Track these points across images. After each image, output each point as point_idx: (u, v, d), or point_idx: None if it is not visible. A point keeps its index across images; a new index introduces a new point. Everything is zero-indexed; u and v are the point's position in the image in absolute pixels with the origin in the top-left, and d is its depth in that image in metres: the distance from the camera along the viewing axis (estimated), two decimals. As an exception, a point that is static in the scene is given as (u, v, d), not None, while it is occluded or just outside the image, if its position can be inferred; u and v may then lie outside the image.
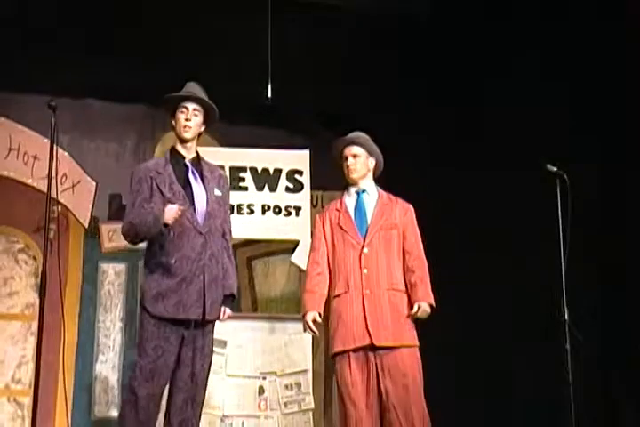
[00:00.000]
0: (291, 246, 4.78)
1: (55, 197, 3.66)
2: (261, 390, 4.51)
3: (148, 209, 3.47)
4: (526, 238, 4.60)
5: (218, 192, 3.65)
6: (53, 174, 3.51)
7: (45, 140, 4.77)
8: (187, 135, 3.62)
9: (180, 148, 3.66)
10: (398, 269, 3.80)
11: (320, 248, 3.88)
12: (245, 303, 5.46)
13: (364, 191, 3.92)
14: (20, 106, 5.01)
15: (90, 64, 4.75)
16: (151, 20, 4.79)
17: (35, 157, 5.05)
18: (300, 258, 4.69)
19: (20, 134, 5.05)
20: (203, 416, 4.37)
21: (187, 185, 3.57)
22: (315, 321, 3.75)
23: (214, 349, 4.44)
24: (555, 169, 3.81)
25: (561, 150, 4.19)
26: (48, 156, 3.52)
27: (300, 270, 4.78)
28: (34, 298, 4.86)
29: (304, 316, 3.79)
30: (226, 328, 4.53)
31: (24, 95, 4.93)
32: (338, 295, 3.78)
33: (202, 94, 3.68)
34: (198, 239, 3.50)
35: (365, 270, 3.73)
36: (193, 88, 3.69)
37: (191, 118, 3.61)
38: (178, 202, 3.50)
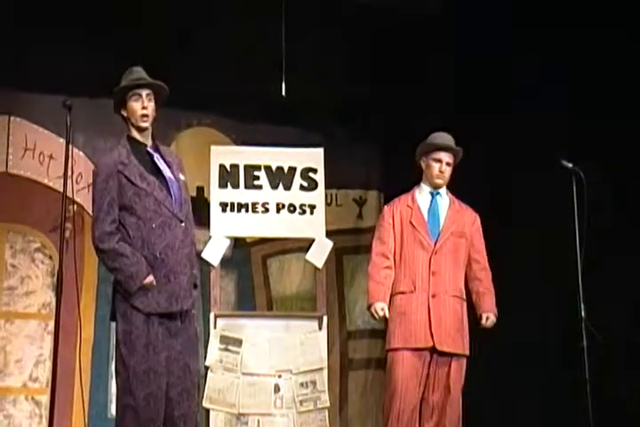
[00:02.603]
0: (305, 245, 4.78)
1: (71, 196, 3.66)
2: (277, 389, 4.51)
3: (135, 260, 3.30)
4: (543, 236, 4.58)
5: (182, 176, 3.53)
6: (69, 174, 3.51)
7: (61, 140, 4.78)
8: (145, 124, 3.46)
9: (137, 135, 3.49)
10: (462, 276, 3.89)
11: (389, 242, 3.92)
12: (260, 302, 5.46)
13: (438, 194, 3.96)
14: (35, 106, 5.02)
15: (105, 64, 4.76)
16: (166, 20, 4.80)
17: (50, 157, 5.06)
18: (314, 256, 4.69)
19: (35, 134, 5.07)
20: (219, 415, 4.41)
21: (157, 173, 3.43)
22: (383, 310, 3.82)
23: (229, 347, 4.45)
24: (570, 165, 3.79)
25: (574, 147, 4.18)
26: (64, 155, 3.53)
27: (315, 269, 4.78)
28: (50, 297, 4.87)
29: (370, 305, 3.85)
30: (241, 326, 4.55)
31: (39, 95, 4.93)
32: (402, 293, 3.84)
33: (148, 78, 3.53)
34: (180, 228, 3.39)
35: (434, 274, 3.79)
36: (139, 73, 3.53)
37: (147, 105, 3.46)
38: (154, 192, 3.37)
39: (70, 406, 4.72)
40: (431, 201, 3.94)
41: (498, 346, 4.71)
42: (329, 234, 4.76)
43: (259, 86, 4.88)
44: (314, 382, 4.52)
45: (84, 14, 4.65)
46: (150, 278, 3.32)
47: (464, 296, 3.87)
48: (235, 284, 5.39)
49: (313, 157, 4.83)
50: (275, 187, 4.76)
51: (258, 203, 4.72)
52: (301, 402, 4.51)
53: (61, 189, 3.55)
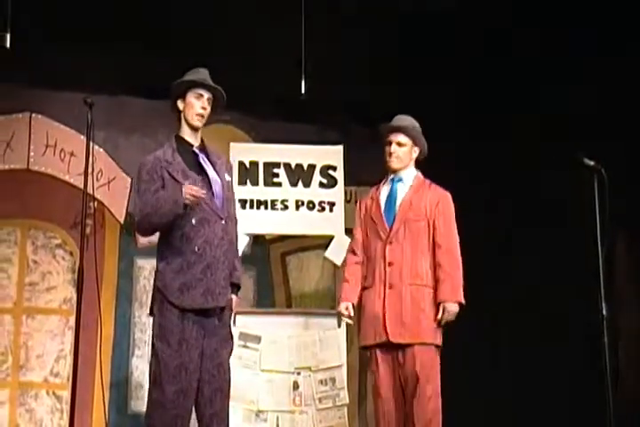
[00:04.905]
0: (324, 242, 4.78)
1: (91, 193, 3.68)
2: (296, 386, 4.52)
3: (163, 194, 3.34)
4: (562, 234, 4.56)
5: (228, 177, 3.57)
6: (90, 171, 3.54)
7: (82, 137, 4.81)
8: (199, 124, 3.52)
9: (186, 135, 3.54)
10: (425, 263, 3.68)
11: (358, 237, 3.86)
12: (279, 299, 5.46)
13: (399, 180, 3.83)
14: (56, 103, 5.06)
15: (126, 62, 4.79)
16: (186, 18, 4.81)
17: (71, 154, 5.10)
18: (333, 253, 4.69)
19: (56, 131, 5.10)
20: (238, 411, 4.42)
21: (201, 172, 3.48)
22: (347, 309, 3.76)
23: (248, 344, 4.46)
24: (592, 163, 3.74)
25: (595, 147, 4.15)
26: (84, 152, 3.55)
27: (335, 266, 4.78)
28: (71, 293, 4.91)
29: (339, 305, 3.81)
30: (260, 324, 4.56)
31: (61, 92, 4.97)
32: (366, 288, 3.76)
33: (212, 82, 3.58)
34: (219, 224, 3.41)
35: (390, 264, 3.66)
36: (204, 75, 3.58)
37: (207, 107, 3.52)
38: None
39: (91, 402, 4.75)
40: (391, 189, 3.81)
41: (516, 346, 4.70)
42: (348, 231, 4.75)
43: (278, 84, 4.88)
44: (333, 380, 4.52)
45: (106, 12, 4.67)
46: (187, 190, 3.27)
47: (427, 282, 3.65)
48: (254, 281, 5.40)
49: (332, 155, 4.83)
50: (294, 184, 4.77)
51: (277, 200, 4.73)
52: (320, 399, 4.51)
53: (82, 186, 3.57)
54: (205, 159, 3.53)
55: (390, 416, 3.63)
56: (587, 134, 4.42)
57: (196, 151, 3.53)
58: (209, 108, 3.54)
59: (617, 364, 3.56)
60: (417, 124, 3.86)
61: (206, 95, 3.53)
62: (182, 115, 3.54)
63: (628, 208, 4.19)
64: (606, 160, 3.72)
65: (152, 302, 3.45)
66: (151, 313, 3.45)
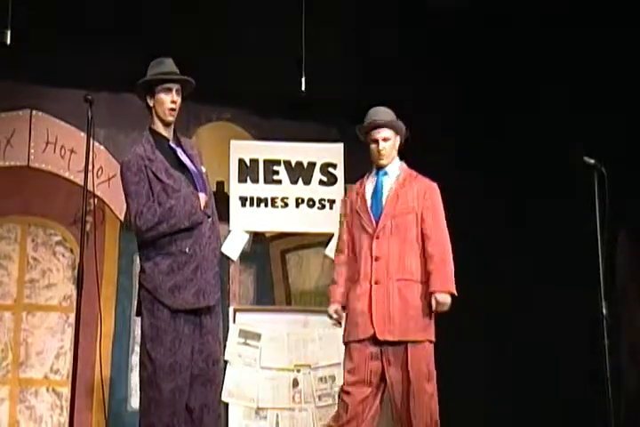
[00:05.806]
0: (324, 239, 4.78)
1: (92, 190, 3.68)
2: (295, 383, 4.53)
3: (175, 204, 3.31)
4: (562, 233, 4.56)
5: (203, 169, 3.53)
6: (90, 168, 3.53)
7: (82, 134, 4.81)
8: (172, 118, 3.47)
9: (160, 129, 3.48)
10: (414, 257, 3.62)
11: (343, 236, 3.80)
12: (279, 296, 5.47)
13: (385, 173, 3.77)
14: (57, 100, 5.05)
15: (126, 59, 4.78)
16: (185, 16, 4.81)
17: (72, 151, 5.10)
18: (333, 251, 4.69)
19: (57, 128, 5.10)
20: (238, 409, 4.43)
21: (182, 168, 3.43)
22: (337, 312, 3.72)
23: (248, 341, 4.46)
24: (592, 162, 3.74)
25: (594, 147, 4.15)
26: (84, 149, 3.55)
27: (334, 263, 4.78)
28: (71, 290, 4.92)
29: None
30: (260, 321, 4.57)
31: (61, 89, 4.97)
32: (352, 284, 3.70)
33: (178, 71, 3.52)
34: (206, 223, 3.38)
35: (377, 259, 3.61)
36: (171, 67, 3.52)
37: (177, 100, 3.46)
38: (181, 188, 3.36)
39: (91, 399, 4.76)
40: (376, 183, 3.75)
41: (516, 345, 4.71)
42: (348, 229, 4.75)
43: (278, 82, 4.88)
44: (333, 377, 4.53)
45: (107, 9, 4.67)
46: (202, 200, 3.33)
47: (417, 278, 3.58)
48: (253, 278, 5.40)
49: (332, 152, 4.84)
50: (294, 182, 4.77)
51: (277, 197, 4.73)
52: (320, 397, 4.52)
53: (82, 183, 3.57)
54: (183, 153, 3.48)
55: (348, 412, 3.54)
56: (587, 134, 4.42)
57: (173, 146, 3.49)
58: (179, 100, 3.49)
59: (618, 364, 3.56)
60: (392, 112, 3.79)
61: (175, 87, 3.47)
62: (154, 110, 3.49)
63: (628, 207, 4.19)
64: (606, 159, 3.72)
65: (139, 303, 3.41)
66: (138, 314, 3.42)
